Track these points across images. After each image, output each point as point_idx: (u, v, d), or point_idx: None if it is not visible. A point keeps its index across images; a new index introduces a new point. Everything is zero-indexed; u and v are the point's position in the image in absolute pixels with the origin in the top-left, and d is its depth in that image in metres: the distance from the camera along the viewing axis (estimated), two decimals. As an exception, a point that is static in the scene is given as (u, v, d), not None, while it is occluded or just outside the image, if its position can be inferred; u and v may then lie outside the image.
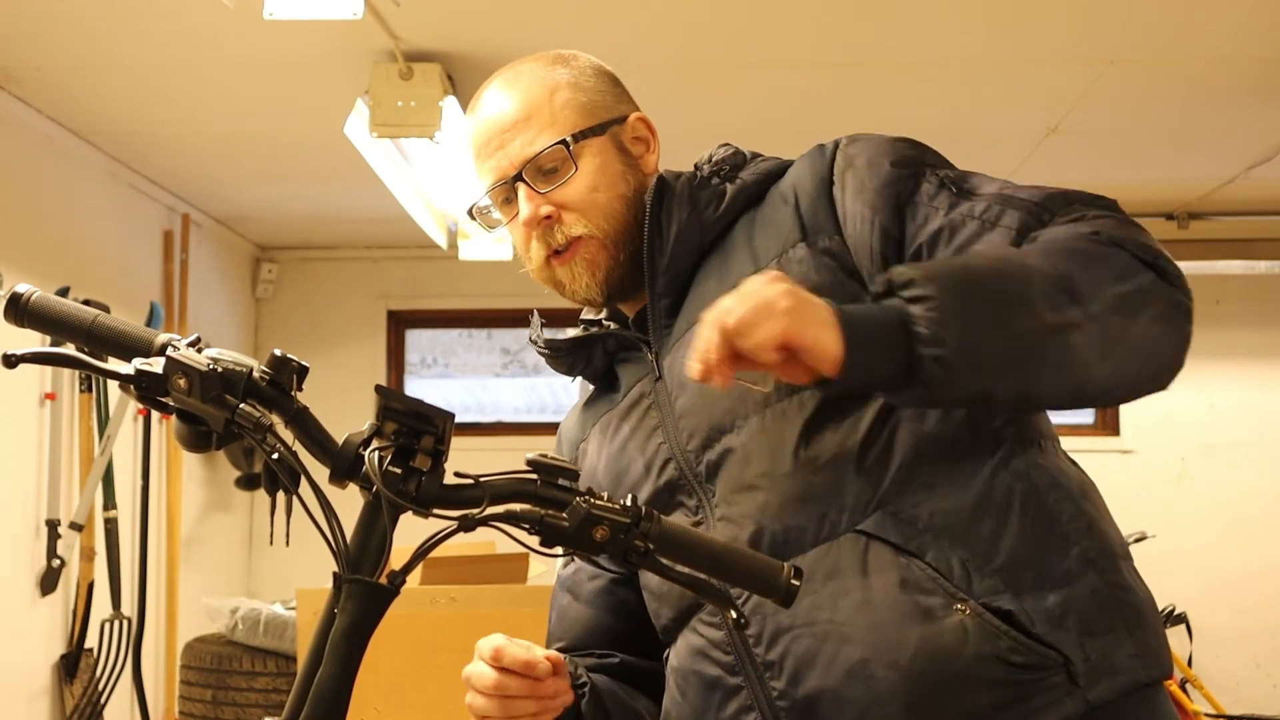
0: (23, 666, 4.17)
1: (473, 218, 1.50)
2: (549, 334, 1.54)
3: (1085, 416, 6.27)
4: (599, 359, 1.52)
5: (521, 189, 1.42)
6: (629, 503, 1.08)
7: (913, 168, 1.34)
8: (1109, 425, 6.22)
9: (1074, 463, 1.38)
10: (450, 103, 3.59)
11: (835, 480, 1.28)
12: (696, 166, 1.49)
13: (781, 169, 1.47)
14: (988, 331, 1.13)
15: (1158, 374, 1.25)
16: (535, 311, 1.55)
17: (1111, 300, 1.18)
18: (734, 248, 1.42)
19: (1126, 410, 6.17)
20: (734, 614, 1.08)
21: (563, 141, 1.41)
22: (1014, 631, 1.21)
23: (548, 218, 1.42)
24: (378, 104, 3.55)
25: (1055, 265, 1.17)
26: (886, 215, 1.32)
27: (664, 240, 1.42)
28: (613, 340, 1.51)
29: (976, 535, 1.26)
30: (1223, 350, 6.16)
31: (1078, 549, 1.28)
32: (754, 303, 1.10)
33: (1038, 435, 1.34)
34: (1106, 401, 1.30)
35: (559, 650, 1.50)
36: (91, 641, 4.45)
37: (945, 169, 1.35)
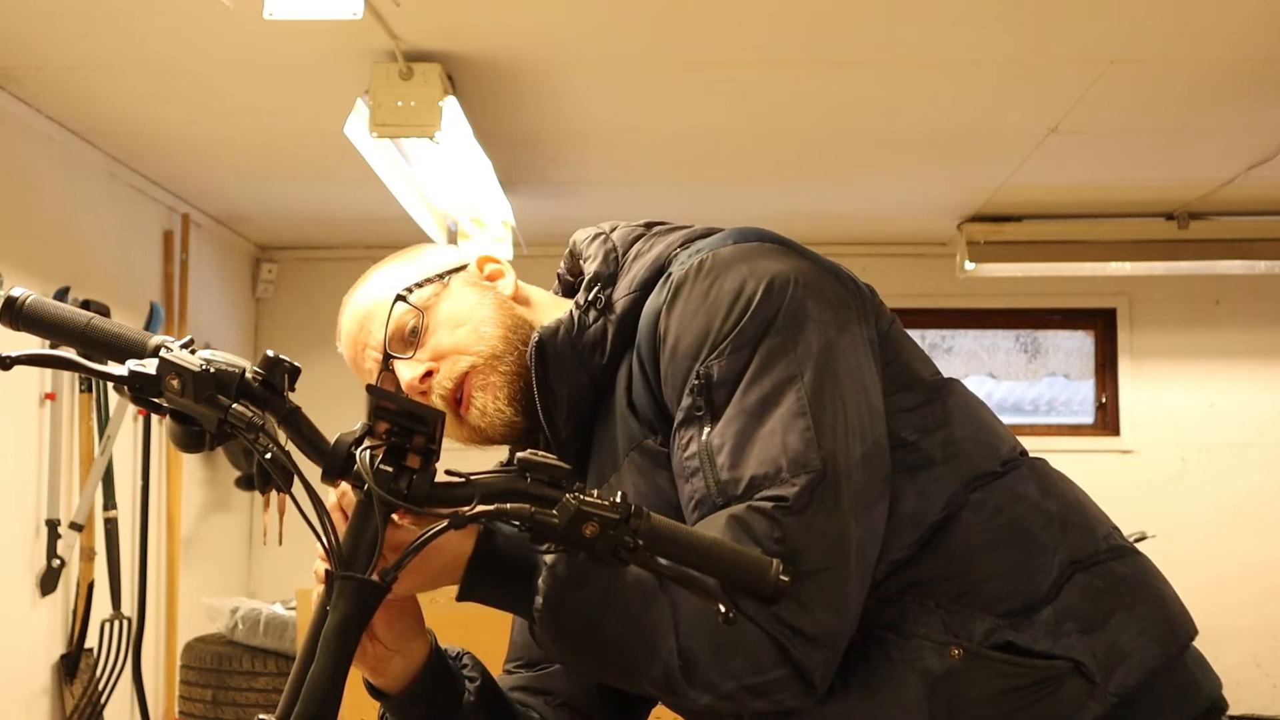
0: (23, 666, 4.18)
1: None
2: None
3: (1085, 416, 6.27)
4: None
5: (397, 365, 1.42)
6: (619, 499, 1.09)
7: (697, 360, 1.29)
8: (1109, 425, 6.22)
9: (1023, 459, 1.38)
10: (450, 103, 3.59)
11: None
12: (571, 256, 1.50)
13: (647, 286, 1.40)
14: (595, 670, 1.29)
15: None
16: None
17: (732, 690, 1.20)
18: (617, 396, 1.40)
19: (1126, 410, 6.18)
20: (722, 608, 1.09)
21: (399, 296, 1.42)
22: (1015, 658, 1.23)
23: (428, 374, 1.41)
24: (378, 104, 3.55)
25: (689, 644, 1.20)
26: (675, 410, 1.32)
27: (557, 399, 1.41)
28: None
29: (956, 586, 1.26)
30: (1223, 350, 6.17)
31: (1059, 556, 1.29)
32: None
33: (989, 458, 1.34)
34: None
35: (515, 665, 1.52)
36: (91, 641, 4.45)
37: (730, 359, 1.28)
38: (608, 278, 1.43)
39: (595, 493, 1.08)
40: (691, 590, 1.12)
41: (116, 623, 4.53)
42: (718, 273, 1.33)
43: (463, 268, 1.49)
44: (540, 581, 1.20)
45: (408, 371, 1.41)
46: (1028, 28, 3.48)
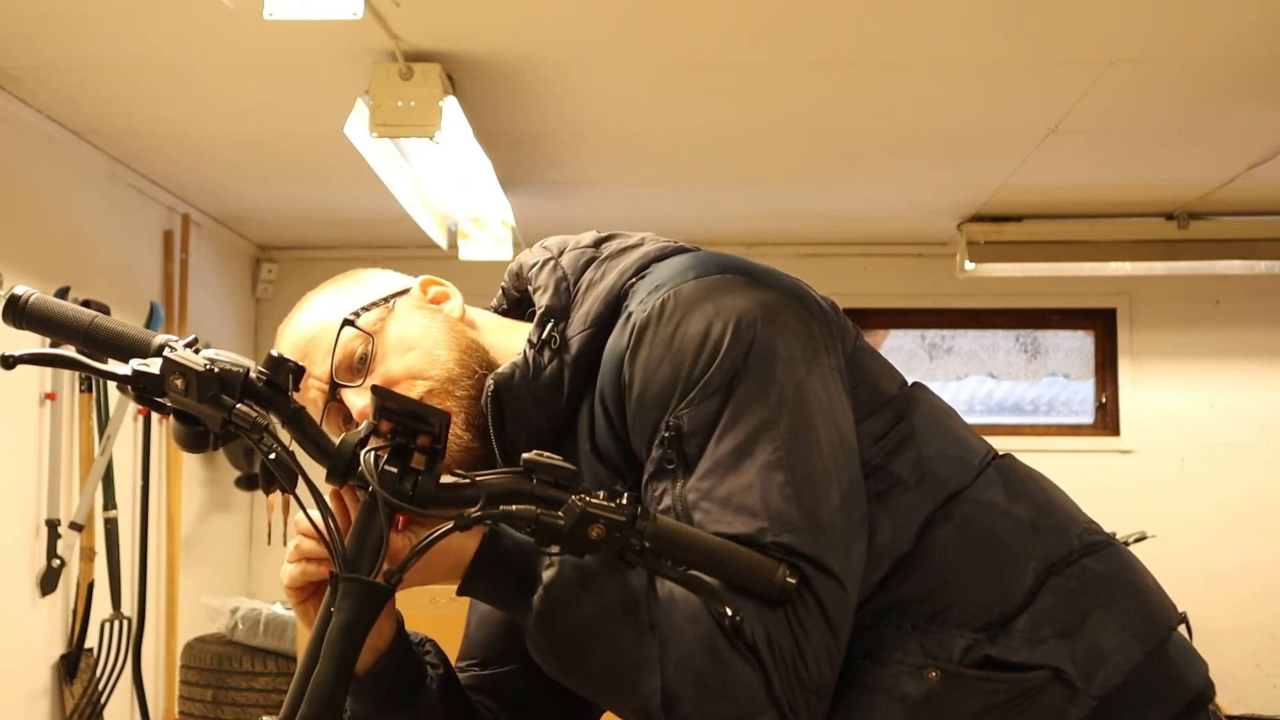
0: (23, 666, 4.17)
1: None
2: None
3: (1085, 416, 6.27)
4: None
5: (345, 394, 1.36)
6: (625, 500, 1.08)
7: (666, 411, 1.26)
8: (1109, 425, 6.22)
9: (990, 462, 1.36)
10: (450, 103, 3.59)
11: None
12: (514, 275, 1.47)
13: (602, 322, 1.35)
14: (573, 672, 1.24)
15: None
16: None
17: None
18: (580, 440, 1.36)
19: (1126, 410, 6.18)
20: (729, 612, 1.09)
21: (346, 321, 1.35)
22: (993, 674, 1.21)
23: None
24: (378, 104, 3.55)
25: (674, 683, 1.17)
26: (646, 459, 1.29)
27: (514, 444, 1.35)
28: None
29: (930, 606, 1.25)
30: (1223, 350, 6.17)
31: (1032, 563, 1.28)
32: None
33: (961, 474, 1.33)
34: None
35: (469, 664, 1.50)
36: (91, 641, 4.45)
37: (700, 408, 1.24)
38: (559, 311, 1.37)
39: (601, 494, 1.08)
40: (697, 593, 1.12)
41: (116, 623, 4.52)
42: (681, 314, 1.27)
43: (405, 291, 1.44)
44: (535, 600, 1.18)
45: (359, 400, 1.34)
46: (1028, 28, 3.47)
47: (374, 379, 1.35)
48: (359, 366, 1.36)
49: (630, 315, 1.31)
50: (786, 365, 1.26)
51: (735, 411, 1.23)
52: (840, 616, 1.19)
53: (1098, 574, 1.29)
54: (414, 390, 1.35)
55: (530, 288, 1.44)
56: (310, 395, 1.38)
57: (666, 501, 1.23)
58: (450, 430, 1.27)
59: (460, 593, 1.23)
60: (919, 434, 1.33)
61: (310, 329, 1.40)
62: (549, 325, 1.36)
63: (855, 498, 1.25)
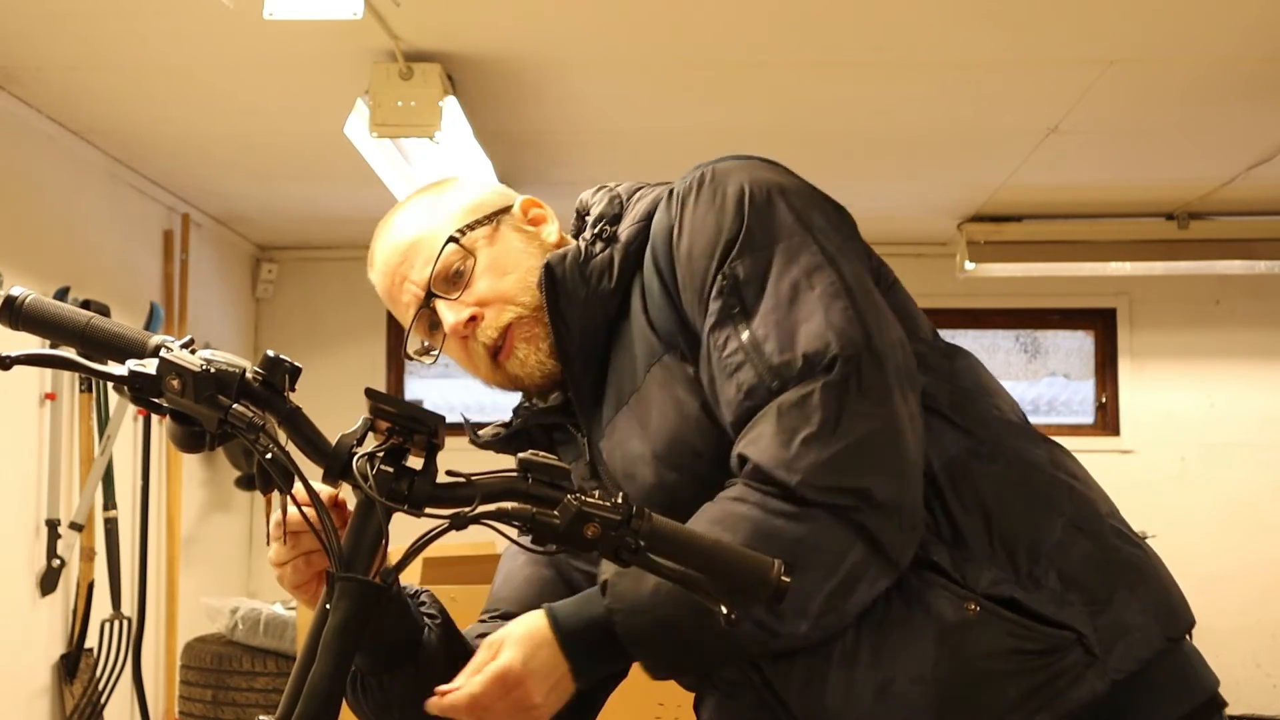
0: (23, 666, 4.18)
1: (411, 359, 1.51)
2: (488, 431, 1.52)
3: (1085, 416, 6.28)
4: (543, 442, 1.52)
5: (439, 304, 1.42)
6: (620, 500, 1.08)
7: (717, 263, 1.32)
8: (1109, 425, 6.22)
9: (1039, 437, 1.40)
10: (450, 103, 3.59)
11: None
12: (578, 215, 1.50)
13: (652, 213, 1.44)
14: (683, 665, 1.35)
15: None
16: (466, 419, 1.53)
17: (821, 603, 1.22)
18: (634, 320, 1.41)
19: (1126, 410, 6.18)
20: (724, 610, 1.09)
21: (451, 238, 1.41)
22: (1025, 620, 1.24)
23: (472, 319, 1.41)
24: (378, 104, 3.55)
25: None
26: (699, 315, 1.34)
27: (569, 326, 1.41)
28: (548, 419, 1.50)
29: (968, 528, 1.28)
30: (1223, 350, 6.17)
31: (1063, 518, 1.31)
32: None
33: (994, 412, 1.37)
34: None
35: (492, 616, 1.52)
36: (91, 641, 4.45)
37: (750, 257, 1.31)
38: (612, 217, 1.45)
39: (597, 494, 1.08)
40: (693, 591, 1.12)
41: (116, 623, 4.52)
42: (720, 180, 1.36)
43: (508, 209, 1.49)
44: (618, 628, 1.26)
45: (451, 314, 1.41)
46: (1027, 28, 3.48)
47: (468, 295, 1.41)
48: (455, 280, 1.42)
49: (673, 192, 1.40)
50: (824, 234, 1.34)
51: (786, 259, 1.30)
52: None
53: (1128, 557, 1.33)
54: (502, 316, 1.41)
55: (585, 212, 1.50)
56: (404, 299, 1.44)
57: (732, 345, 1.28)
58: (535, 356, 1.38)
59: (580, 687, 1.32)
60: (959, 373, 1.39)
61: (410, 235, 1.45)
62: (600, 224, 1.44)
63: (907, 351, 1.32)
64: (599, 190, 1.51)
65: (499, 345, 1.42)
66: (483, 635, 1.47)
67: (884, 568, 1.23)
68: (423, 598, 1.42)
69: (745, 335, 1.28)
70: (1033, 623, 1.24)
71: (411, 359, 1.50)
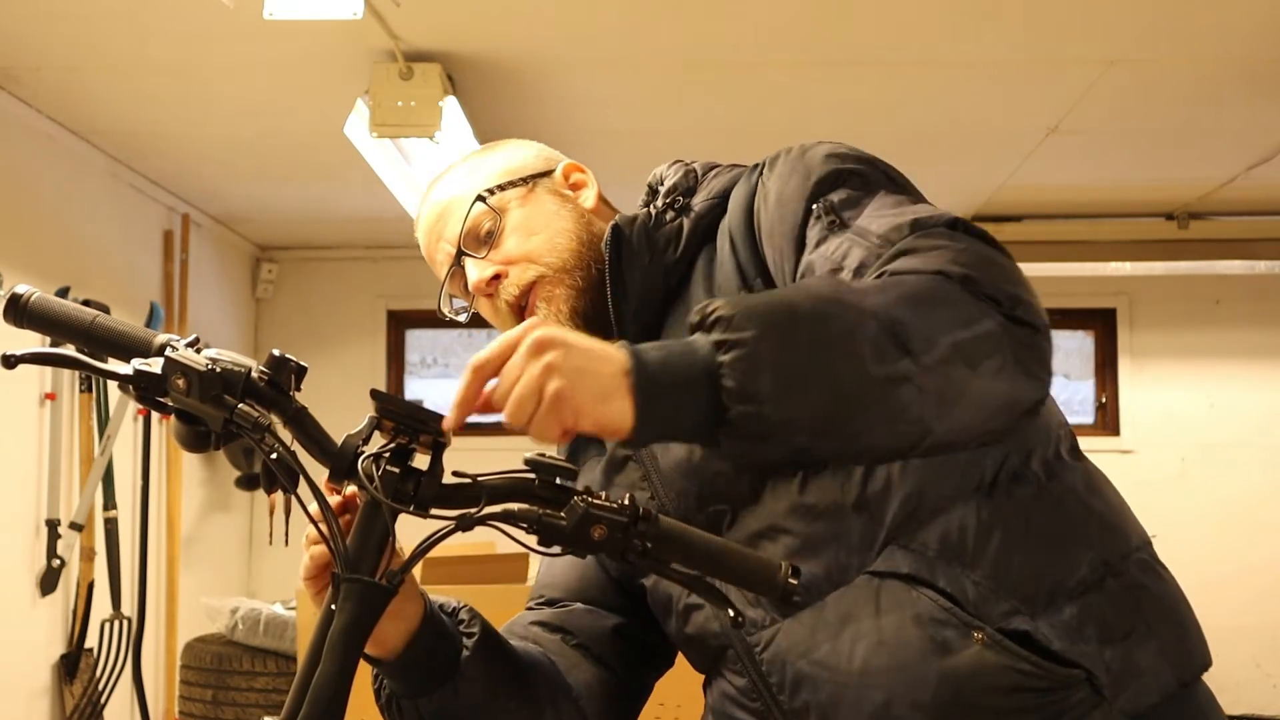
0: (23, 666, 4.17)
1: (445, 316, 1.52)
2: None
3: (1085, 416, 6.28)
4: None
5: (466, 262, 1.44)
6: (626, 502, 1.08)
7: (809, 200, 1.30)
8: (1109, 425, 6.22)
9: (1079, 454, 1.36)
10: (450, 103, 3.59)
11: (836, 525, 1.25)
12: (650, 190, 1.48)
13: (728, 191, 1.42)
14: (805, 384, 1.02)
15: (1005, 425, 1.19)
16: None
17: (948, 350, 1.07)
18: (695, 288, 1.39)
19: (1126, 410, 6.18)
20: (731, 612, 1.08)
21: (479, 197, 1.43)
22: (1033, 656, 1.19)
23: (495, 276, 1.42)
24: (378, 104, 3.55)
25: (888, 308, 1.06)
26: (790, 259, 1.30)
27: (627, 291, 1.39)
28: None
29: (987, 553, 1.23)
30: (1223, 350, 6.17)
31: (1091, 553, 1.26)
32: (521, 392, 1.01)
33: (1043, 430, 1.33)
34: (946, 451, 1.17)
35: (538, 603, 1.50)
36: (91, 641, 4.45)
37: (846, 189, 1.30)
38: (686, 189, 1.45)
39: (604, 495, 1.07)
40: (700, 594, 1.12)
41: (116, 623, 4.52)
42: (806, 148, 1.37)
43: (549, 173, 1.49)
44: (725, 384, 1.02)
45: (475, 272, 1.42)
46: (1028, 28, 3.48)
47: (496, 254, 1.42)
48: (485, 240, 1.44)
49: (755, 165, 1.40)
50: (917, 193, 1.34)
51: (880, 198, 1.29)
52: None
53: (1152, 594, 1.28)
54: (525, 275, 1.41)
55: (658, 185, 1.49)
56: (439, 258, 1.48)
57: (836, 241, 1.25)
58: (554, 318, 1.37)
59: (640, 438, 1.06)
60: None
61: (448, 196, 1.48)
62: (674, 195, 1.44)
63: None
64: (673, 164, 1.50)
65: (522, 304, 1.42)
66: (535, 623, 1.47)
67: (1018, 357, 1.13)
68: (461, 615, 1.37)
69: (852, 230, 1.25)
70: (1041, 659, 1.19)
71: (445, 316, 1.52)
